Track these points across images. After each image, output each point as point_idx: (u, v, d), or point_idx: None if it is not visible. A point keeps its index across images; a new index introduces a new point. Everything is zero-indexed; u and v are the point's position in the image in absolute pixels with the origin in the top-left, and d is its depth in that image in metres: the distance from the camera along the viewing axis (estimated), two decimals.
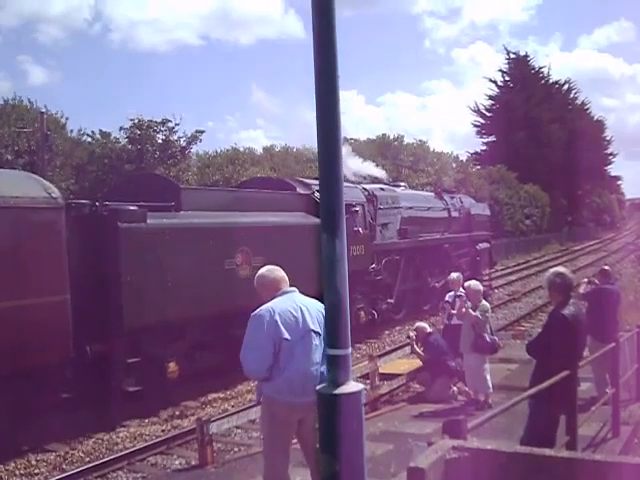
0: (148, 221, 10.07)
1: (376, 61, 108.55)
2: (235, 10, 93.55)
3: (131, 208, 9.95)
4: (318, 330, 4.66)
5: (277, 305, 4.72)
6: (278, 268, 5.03)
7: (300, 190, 14.04)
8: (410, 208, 17.93)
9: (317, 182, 13.26)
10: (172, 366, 10.38)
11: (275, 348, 4.61)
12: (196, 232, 10.90)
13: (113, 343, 9.72)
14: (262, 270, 5.07)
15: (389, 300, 16.13)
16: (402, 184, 20.63)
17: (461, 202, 21.67)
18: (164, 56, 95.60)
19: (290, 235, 12.73)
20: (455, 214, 20.71)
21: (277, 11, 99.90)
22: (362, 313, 14.77)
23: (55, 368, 9.08)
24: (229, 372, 11.65)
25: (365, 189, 16.14)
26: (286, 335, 4.61)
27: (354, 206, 14.39)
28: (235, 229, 11.68)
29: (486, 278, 21.14)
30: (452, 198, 21.34)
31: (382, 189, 17.29)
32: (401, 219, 17.32)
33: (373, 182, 18.82)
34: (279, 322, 4.61)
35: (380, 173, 20.92)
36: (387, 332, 16.38)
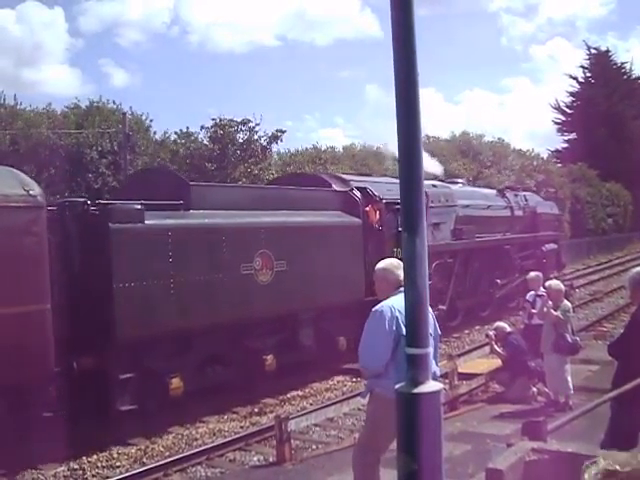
0: (146, 221, 8.50)
1: (453, 59, 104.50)
2: (311, 11, 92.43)
3: (125, 207, 8.40)
4: (431, 332, 4.21)
5: (397, 303, 4.42)
6: (401, 264, 4.33)
7: (336, 187, 12.06)
8: (467, 207, 15.61)
9: (358, 178, 11.03)
10: (176, 382, 8.83)
11: (394, 344, 4.42)
12: (206, 233, 9.28)
13: (104, 357, 8.22)
14: (388, 265, 4.82)
15: (440, 306, 13.90)
16: (460, 181, 18.23)
17: (526, 200, 19.05)
18: (242, 57, 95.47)
19: (321, 236, 10.93)
20: (519, 213, 18.19)
21: (353, 10, 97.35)
22: None
23: (35, 385, 7.68)
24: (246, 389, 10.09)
25: None
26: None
27: (399, 204, 12.23)
28: (254, 230, 9.94)
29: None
30: (516, 196, 18.74)
31: (434, 186, 14.96)
32: (456, 218, 15.03)
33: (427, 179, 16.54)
34: (400, 319, 4.37)
35: (435, 168, 18.41)
36: (467, 331, 15.27)
